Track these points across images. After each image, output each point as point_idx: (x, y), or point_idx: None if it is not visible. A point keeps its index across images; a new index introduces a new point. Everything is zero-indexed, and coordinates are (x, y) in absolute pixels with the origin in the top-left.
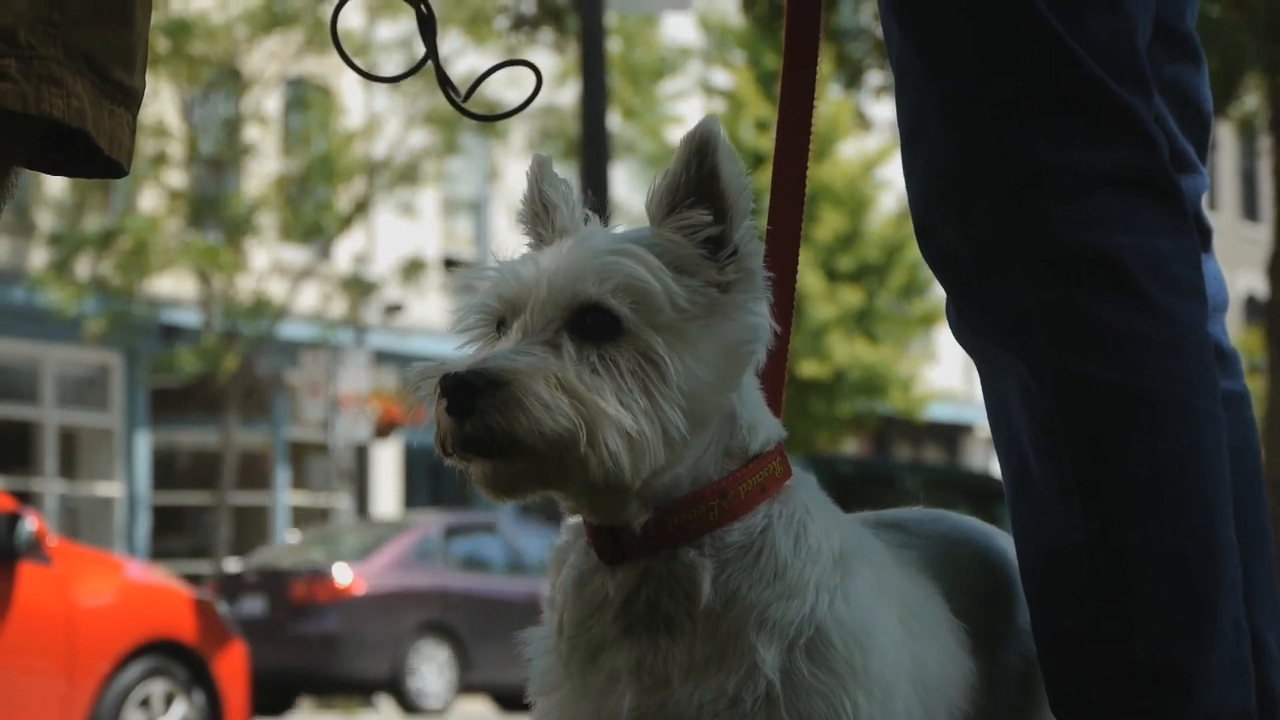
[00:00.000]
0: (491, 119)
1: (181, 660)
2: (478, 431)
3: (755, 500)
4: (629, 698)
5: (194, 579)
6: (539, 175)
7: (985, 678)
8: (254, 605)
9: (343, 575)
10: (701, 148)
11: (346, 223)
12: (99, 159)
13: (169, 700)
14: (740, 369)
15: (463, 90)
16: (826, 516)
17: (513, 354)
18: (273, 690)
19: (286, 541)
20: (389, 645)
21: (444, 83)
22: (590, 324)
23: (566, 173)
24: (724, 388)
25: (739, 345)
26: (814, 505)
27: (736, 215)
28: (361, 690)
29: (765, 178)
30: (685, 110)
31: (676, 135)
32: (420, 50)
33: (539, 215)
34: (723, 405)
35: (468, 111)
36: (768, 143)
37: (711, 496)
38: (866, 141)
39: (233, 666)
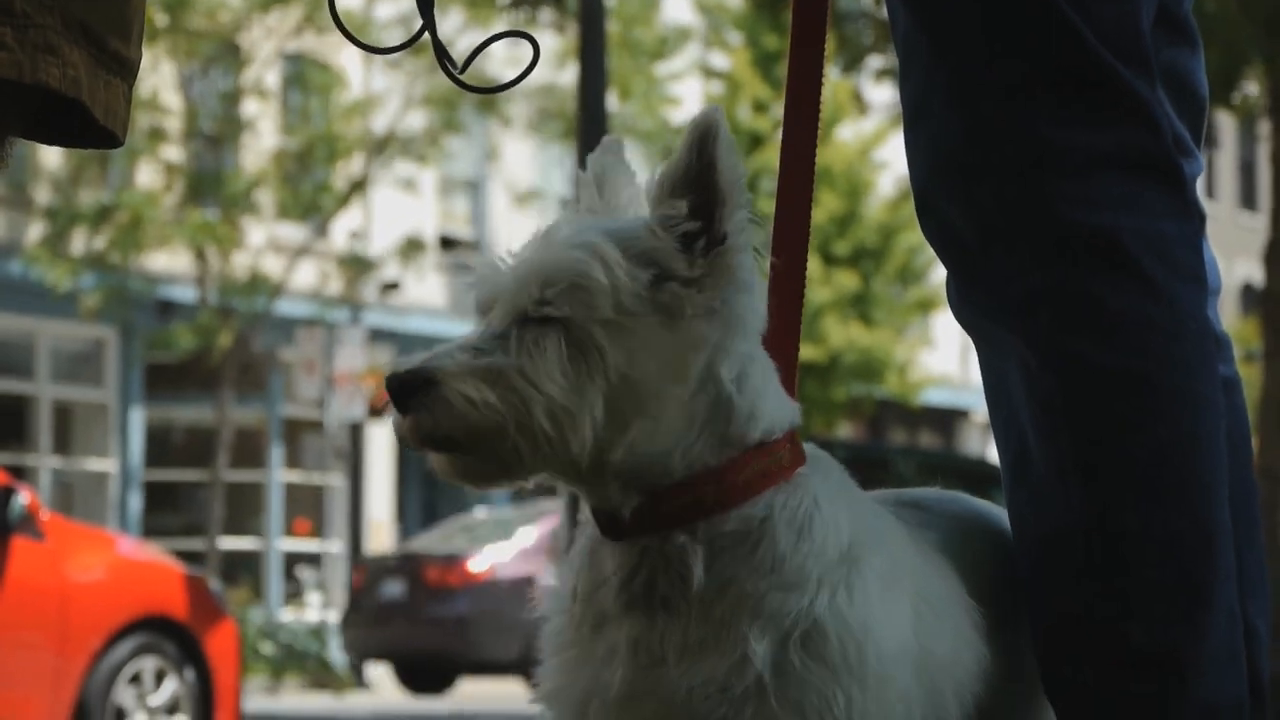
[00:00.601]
0: (487, 91)
1: (173, 637)
2: (417, 429)
3: (755, 489)
4: (622, 672)
5: (187, 556)
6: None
7: (999, 661)
8: (394, 588)
9: (477, 561)
10: (703, 137)
11: (344, 200)
12: (94, 130)
13: (160, 677)
14: (693, 365)
15: (460, 63)
16: (838, 506)
17: (454, 350)
18: (411, 669)
19: (478, 517)
20: (520, 629)
21: (440, 54)
22: (540, 318)
23: (565, 153)
24: (678, 380)
25: (695, 342)
26: (825, 495)
27: (728, 209)
28: (493, 672)
29: (762, 158)
30: (684, 91)
31: (674, 116)
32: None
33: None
34: (679, 396)
35: (463, 83)
36: (765, 123)
37: (705, 483)
38: (864, 124)
39: (224, 644)
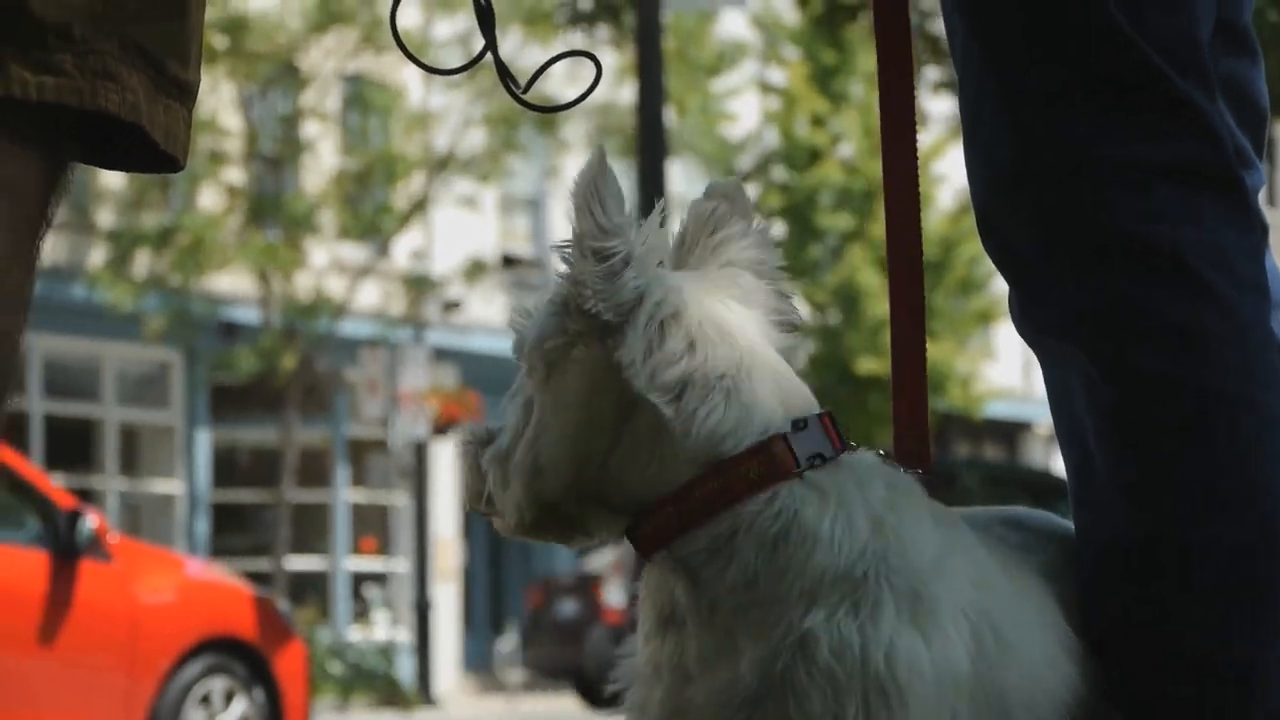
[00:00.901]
0: (550, 110)
1: (242, 657)
2: None
3: (716, 506)
4: (660, 693)
5: (254, 577)
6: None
7: (1095, 685)
8: (570, 607)
9: None
10: None
11: (405, 220)
12: (154, 154)
13: (229, 697)
14: (564, 392)
15: (522, 83)
16: (843, 522)
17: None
18: (590, 687)
19: None
20: None
21: (503, 74)
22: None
23: (624, 169)
24: (558, 410)
25: (566, 368)
26: (817, 510)
27: (568, 246)
28: None
29: (820, 173)
30: (740, 107)
31: (732, 131)
32: (478, 47)
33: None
34: (577, 421)
35: (527, 102)
36: (823, 137)
37: (669, 503)
38: (922, 138)
39: (293, 664)
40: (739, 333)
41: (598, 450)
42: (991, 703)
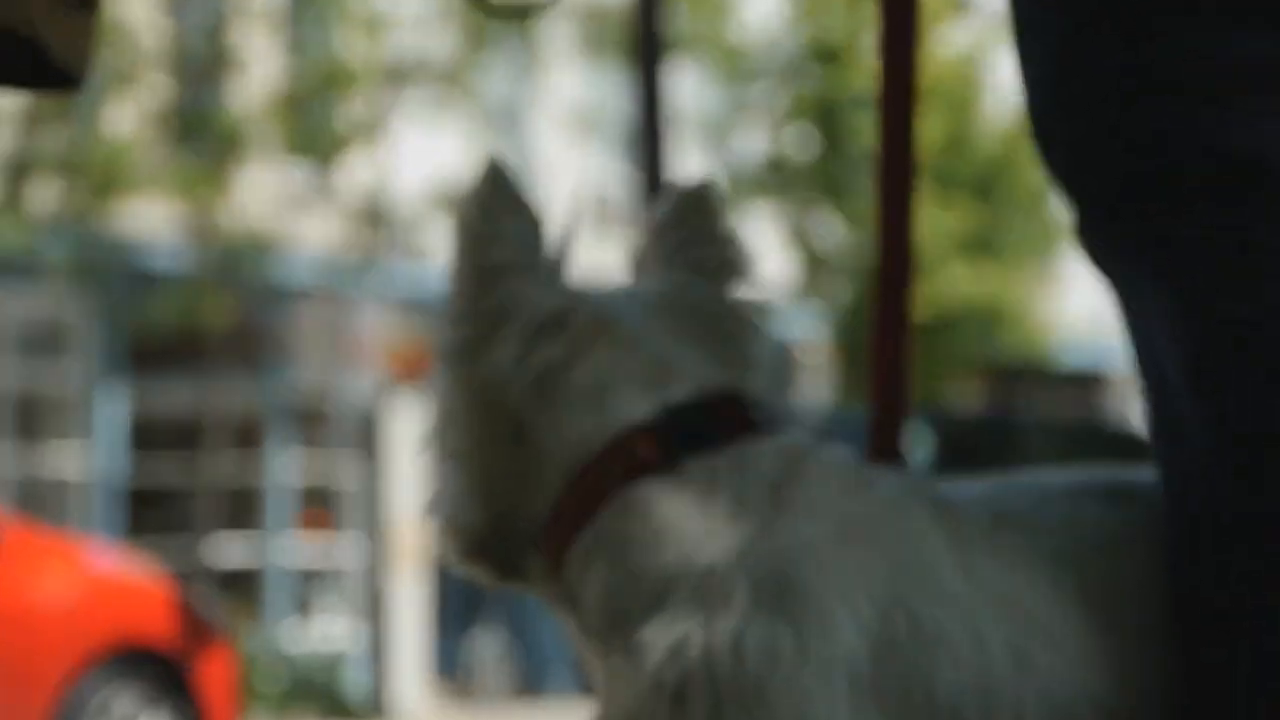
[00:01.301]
0: (519, 17)
1: (155, 668)
2: None
3: (579, 520)
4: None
5: (173, 567)
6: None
7: (1086, 684)
8: None
9: None
10: None
11: (355, 141)
12: (53, 71)
13: (139, 715)
14: (454, 410)
15: None
16: (697, 517)
17: None
18: None
19: None
20: None
21: None
22: None
23: (623, 76)
24: (486, 447)
25: (444, 392)
26: (666, 509)
27: (452, 277)
28: None
29: (851, 74)
30: (755, 2)
31: (746, 33)
32: None
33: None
34: (474, 447)
35: (491, 8)
36: (847, 34)
37: (551, 526)
38: (972, 29)
39: (216, 673)
40: (631, 336)
41: (501, 476)
42: (914, 693)
